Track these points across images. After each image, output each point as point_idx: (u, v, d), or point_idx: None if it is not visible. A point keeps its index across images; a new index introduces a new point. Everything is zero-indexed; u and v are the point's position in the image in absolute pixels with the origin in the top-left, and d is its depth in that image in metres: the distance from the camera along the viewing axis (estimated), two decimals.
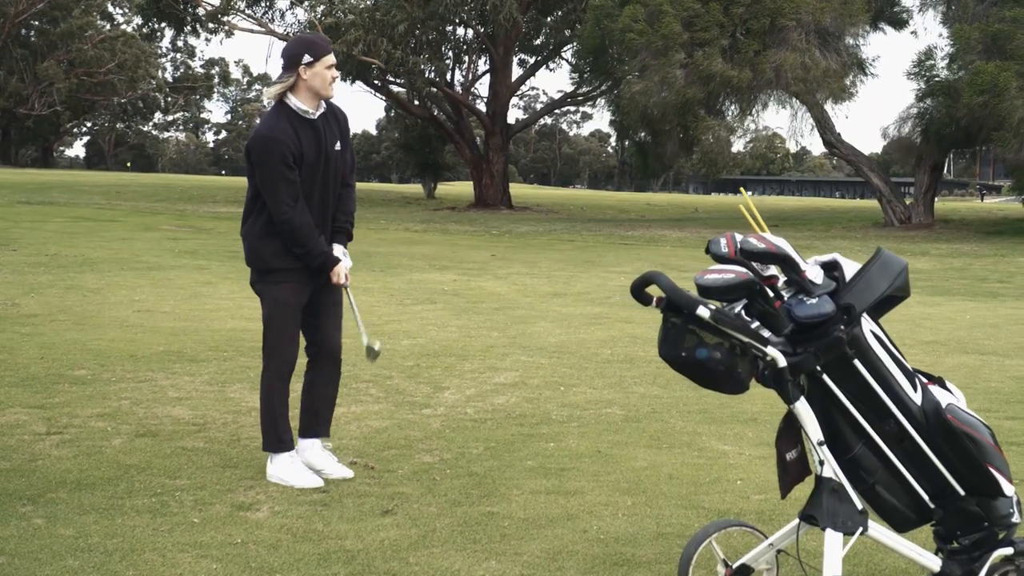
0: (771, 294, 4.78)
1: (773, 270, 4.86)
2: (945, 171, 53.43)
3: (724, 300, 4.75)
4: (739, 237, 4.85)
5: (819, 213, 57.11)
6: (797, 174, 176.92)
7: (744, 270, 4.68)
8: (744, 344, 4.64)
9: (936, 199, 49.40)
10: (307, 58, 7.43)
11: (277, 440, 7.67)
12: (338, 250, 7.81)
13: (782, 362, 4.68)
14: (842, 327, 4.71)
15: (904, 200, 47.09)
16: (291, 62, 7.45)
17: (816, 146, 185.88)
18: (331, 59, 7.53)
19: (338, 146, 7.67)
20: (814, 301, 4.74)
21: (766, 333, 4.76)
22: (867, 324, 4.83)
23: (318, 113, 7.56)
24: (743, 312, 4.80)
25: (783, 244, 4.77)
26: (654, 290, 4.73)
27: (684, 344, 4.66)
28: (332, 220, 7.82)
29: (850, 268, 4.92)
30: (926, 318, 16.54)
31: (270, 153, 7.41)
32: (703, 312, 4.51)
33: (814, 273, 4.84)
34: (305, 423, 7.92)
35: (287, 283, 7.61)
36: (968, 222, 48.43)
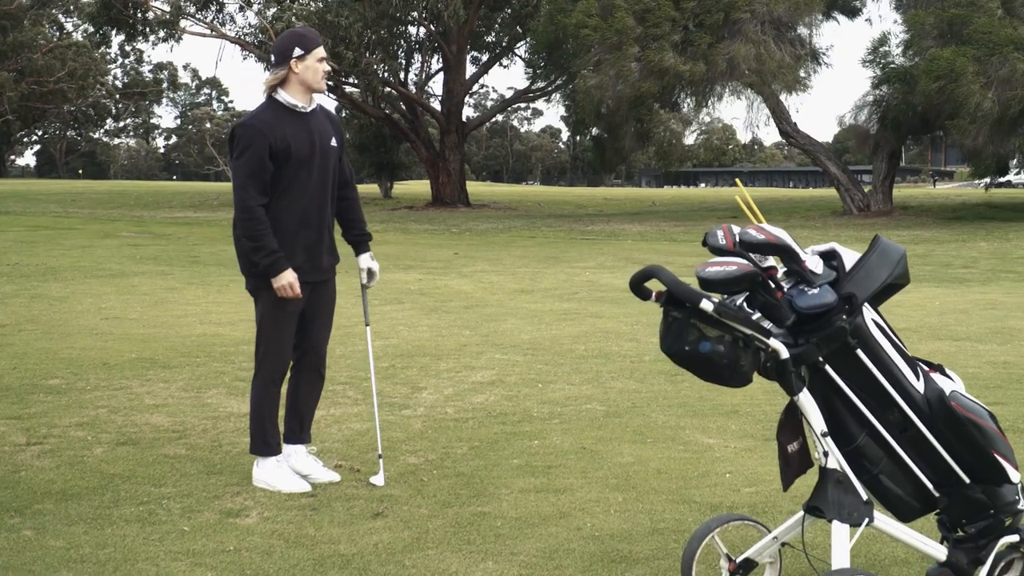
0: (772, 285, 4.75)
1: (771, 261, 4.83)
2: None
3: (726, 293, 4.71)
4: (737, 229, 4.81)
5: (776, 203, 57.22)
6: (749, 164, 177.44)
7: (745, 262, 4.63)
8: (747, 336, 4.60)
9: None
10: (298, 51, 7.34)
11: (264, 444, 7.60)
12: (365, 258, 7.83)
13: (785, 353, 4.65)
14: (844, 317, 4.68)
15: (862, 188, 47.21)
16: (282, 56, 7.37)
17: (768, 137, 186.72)
18: (321, 52, 7.44)
19: (334, 143, 7.59)
20: (816, 291, 4.70)
21: (768, 325, 4.72)
22: (868, 313, 4.80)
23: (310, 108, 7.49)
24: (744, 304, 4.77)
25: (782, 235, 4.74)
26: (654, 284, 4.68)
27: (687, 338, 4.61)
28: (350, 230, 7.82)
29: (849, 257, 4.89)
30: (896, 305, 16.43)
31: (247, 141, 7.31)
32: (707, 305, 4.47)
33: (814, 263, 4.81)
34: (289, 429, 7.85)
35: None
36: (927, 208, 48.68)
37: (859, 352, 4.74)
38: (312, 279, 7.56)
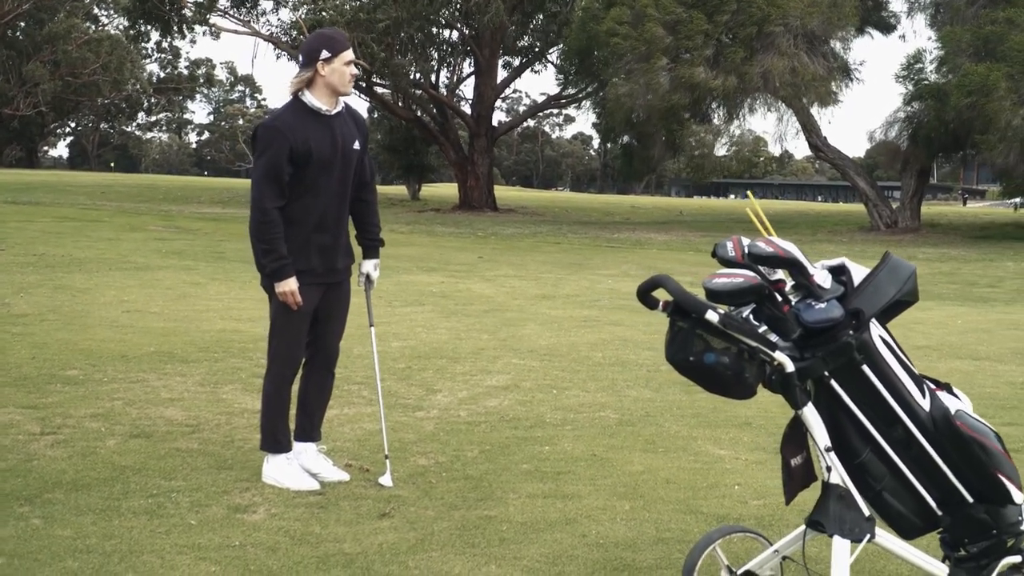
0: (779, 298, 4.75)
1: (780, 274, 4.83)
2: (930, 176, 53.43)
3: (733, 304, 4.72)
4: (746, 241, 4.81)
5: (804, 217, 57.11)
6: (780, 177, 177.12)
7: (753, 274, 4.64)
8: (752, 349, 4.60)
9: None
10: (325, 53, 7.32)
11: (274, 441, 7.63)
12: (371, 264, 7.82)
13: (790, 367, 4.65)
14: (851, 332, 4.68)
15: (890, 204, 47.09)
16: (309, 58, 7.36)
17: (799, 150, 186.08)
18: (349, 55, 7.42)
19: (356, 145, 7.58)
20: (823, 306, 4.70)
21: (774, 338, 4.73)
22: (876, 329, 4.79)
23: (335, 111, 7.47)
24: (751, 317, 4.77)
25: (791, 248, 4.74)
26: (661, 294, 4.70)
27: (692, 348, 4.62)
28: (363, 232, 7.82)
29: (858, 272, 4.88)
30: (917, 323, 16.51)
31: (269, 143, 7.30)
32: (712, 316, 4.48)
33: (822, 277, 4.81)
34: (299, 426, 7.87)
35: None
36: (955, 226, 48.48)
37: (865, 368, 4.73)
38: (327, 280, 7.58)
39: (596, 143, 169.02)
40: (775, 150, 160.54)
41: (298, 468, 7.62)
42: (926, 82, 43.77)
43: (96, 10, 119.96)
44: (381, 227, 7.99)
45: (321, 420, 7.96)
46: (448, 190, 76.22)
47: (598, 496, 7.45)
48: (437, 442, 8.80)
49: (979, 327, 16.86)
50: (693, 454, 8.62)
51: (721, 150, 57.60)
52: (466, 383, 11.23)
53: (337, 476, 7.72)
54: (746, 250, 4.76)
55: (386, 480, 7.60)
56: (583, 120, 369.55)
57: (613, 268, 26.52)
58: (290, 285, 7.34)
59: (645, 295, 4.73)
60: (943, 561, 5.21)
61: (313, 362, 7.81)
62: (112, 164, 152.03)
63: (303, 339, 7.65)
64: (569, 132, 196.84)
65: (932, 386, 5.02)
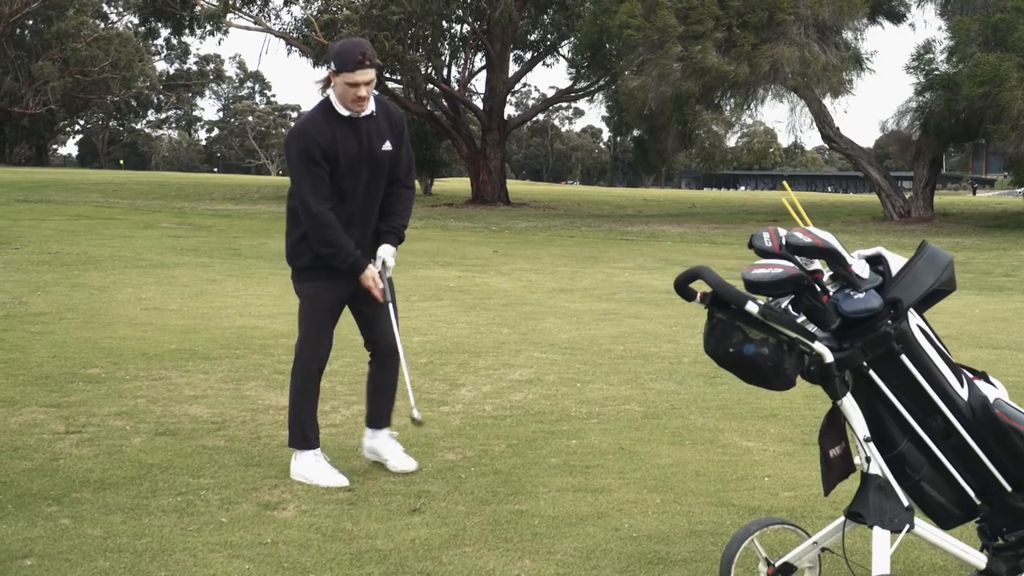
0: (818, 289, 4.72)
1: (817, 264, 4.81)
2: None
3: (772, 295, 4.69)
4: (783, 231, 4.79)
5: (817, 208, 57.01)
6: (790, 168, 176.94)
7: (791, 264, 4.61)
8: (791, 340, 4.58)
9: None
10: (332, 66, 7.32)
11: (302, 437, 7.64)
12: (387, 251, 7.71)
13: (829, 357, 4.63)
14: (889, 322, 4.65)
15: (903, 194, 47.03)
16: (327, 62, 7.37)
17: (810, 141, 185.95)
18: (354, 78, 7.21)
19: (387, 146, 7.50)
20: (861, 296, 4.67)
21: (812, 328, 4.70)
22: (913, 319, 4.77)
23: (363, 114, 7.40)
24: (790, 307, 4.75)
25: (829, 238, 4.72)
26: (699, 285, 4.67)
27: (731, 340, 4.59)
28: (385, 220, 7.74)
29: (895, 262, 4.86)
30: (936, 312, 16.26)
31: (297, 147, 7.32)
32: (752, 307, 4.46)
33: (860, 267, 4.79)
34: (368, 413, 7.98)
35: (319, 280, 7.56)
36: (968, 216, 48.42)
37: (903, 358, 4.71)
38: (353, 285, 7.59)
39: (606, 136, 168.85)
40: (786, 141, 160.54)
41: (327, 464, 7.62)
42: (936, 72, 43.71)
43: (105, 7, 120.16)
44: (407, 223, 7.91)
45: (388, 407, 8.00)
46: (461, 184, 76.17)
47: (628, 489, 7.43)
48: (464, 437, 8.79)
49: (997, 316, 16.82)
50: (721, 446, 8.60)
51: (732, 140, 57.53)
52: (489, 377, 11.21)
53: (403, 465, 7.79)
54: (783, 240, 4.73)
55: (416, 415, 7.70)
56: (593, 113, 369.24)
57: (629, 261, 26.48)
58: (370, 273, 7.48)
59: (683, 286, 4.70)
60: (981, 550, 5.17)
61: (374, 355, 7.90)
62: (122, 162, 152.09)
63: (328, 334, 7.68)
64: (579, 125, 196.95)
65: (970, 375, 5.00)
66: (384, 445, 7.86)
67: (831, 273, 4.82)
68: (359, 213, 7.50)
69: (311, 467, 7.56)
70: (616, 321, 15.51)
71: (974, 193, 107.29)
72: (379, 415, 7.95)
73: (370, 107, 7.45)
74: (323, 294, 7.55)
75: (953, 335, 14.39)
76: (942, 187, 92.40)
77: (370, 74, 7.27)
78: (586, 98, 64.18)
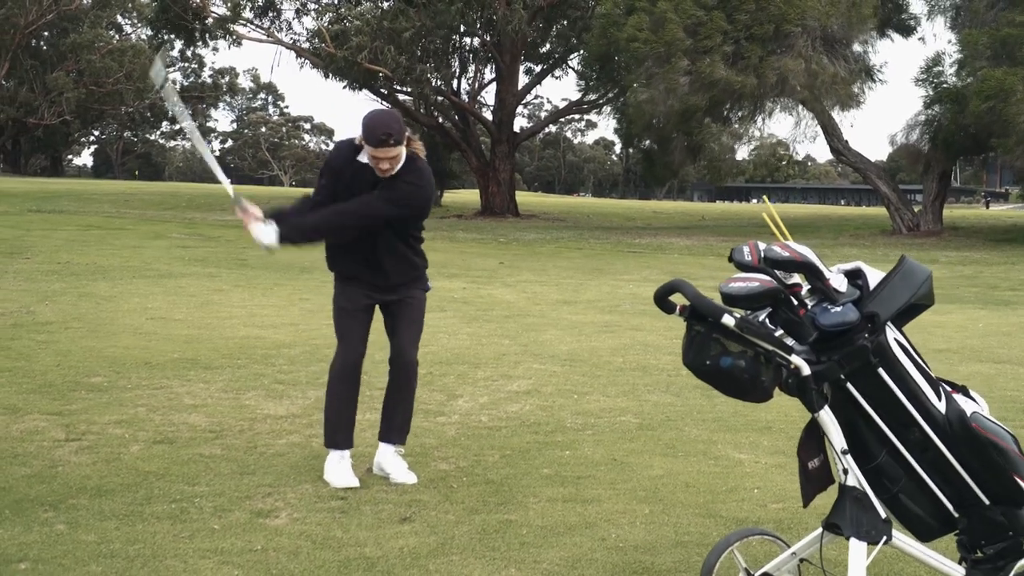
0: (795, 302, 4.78)
1: (796, 278, 4.87)
2: (952, 178, 53.41)
3: (749, 308, 4.75)
4: (762, 245, 4.85)
5: (826, 221, 57.03)
6: (802, 181, 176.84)
7: (768, 278, 4.67)
8: (768, 352, 4.64)
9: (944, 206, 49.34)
10: (358, 135, 7.55)
11: (330, 436, 7.89)
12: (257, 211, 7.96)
13: (806, 370, 4.68)
14: (866, 335, 4.70)
15: (912, 207, 47.03)
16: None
17: (822, 154, 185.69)
18: (375, 153, 7.41)
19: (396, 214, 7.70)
20: (838, 309, 4.72)
21: (790, 341, 4.76)
22: (891, 332, 4.82)
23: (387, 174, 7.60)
24: (767, 320, 4.81)
25: (807, 252, 4.77)
26: (678, 298, 4.73)
27: (708, 352, 4.66)
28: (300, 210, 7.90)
29: (874, 276, 4.90)
30: (938, 326, 16.49)
31: (327, 158, 7.92)
32: (728, 320, 4.52)
33: (838, 281, 4.84)
34: (381, 427, 8.11)
35: (342, 286, 7.93)
36: (977, 229, 48.37)
37: (881, 371, 4.75)
38: (380, 295, 7.92)
39: (618, 148, 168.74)
40: (796, 154, 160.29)
41: (346, 467, 7.81)
42: (945, 85, 43.74)
43: (120, 19, 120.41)
44: (308, 230, 7.88)
45: (400, 425, 8.08)
46: (470, 196, 76.16)
47: (617, 500, 7.49)
48: (458, 447, 8.85)
49: (1000, 330, 16.84)
50: (713, 458, 8.65)
51: (741, 153, 57.57)
52: (487, 388, 11.27)
53: (403, 479, 7.87)
54: (762, 254, 4.80)
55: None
56: (605, 125, 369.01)
57: (634, 273, 26.55)
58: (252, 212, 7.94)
59: (662, 299, 4.77)
60: (959, 563, 5.22)
61: (391, 371, 8.05)
62: (136, 172, 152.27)
63: (355, 339, 7.91)
64: (591, 137, 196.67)
65: (948, 389, 5.04)
66: (388, 460, 7.97)
67: (809, 287, 4.88)
68: (379, 247, 7.76)
69: (330, 466, 7.80)
70: (617, 333, 15.56)
71: (987, 206, 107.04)
72: (389, 430, 8.05)
73: (397, 168, 7.61)
74: (346, 300, 7.89)
75: (954, 349, 14.44)
76: (955, 201, 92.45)
77: (393, 151, 7.46)
78: (595, 110, 64.23)
